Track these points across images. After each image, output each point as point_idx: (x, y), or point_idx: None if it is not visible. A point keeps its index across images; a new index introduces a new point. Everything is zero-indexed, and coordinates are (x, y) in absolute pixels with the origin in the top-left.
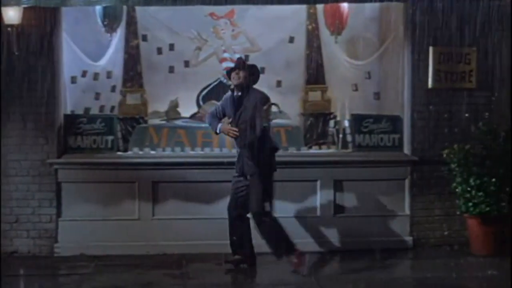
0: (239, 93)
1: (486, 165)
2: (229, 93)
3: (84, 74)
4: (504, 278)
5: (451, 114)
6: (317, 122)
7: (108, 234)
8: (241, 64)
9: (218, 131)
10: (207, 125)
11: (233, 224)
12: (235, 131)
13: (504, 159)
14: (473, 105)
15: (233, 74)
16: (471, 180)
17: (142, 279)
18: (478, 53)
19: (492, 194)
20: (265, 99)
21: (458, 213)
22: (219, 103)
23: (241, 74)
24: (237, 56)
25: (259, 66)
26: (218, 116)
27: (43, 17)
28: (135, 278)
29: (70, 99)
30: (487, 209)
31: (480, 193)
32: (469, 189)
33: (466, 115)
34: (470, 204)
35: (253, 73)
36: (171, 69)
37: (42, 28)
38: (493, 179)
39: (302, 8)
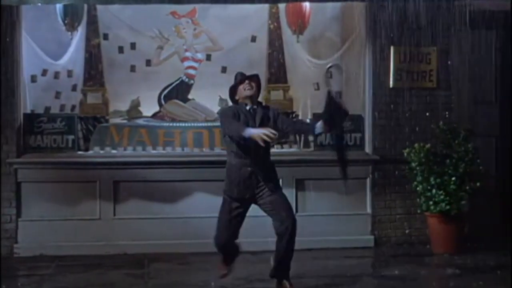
0: (253, 106)
1: (446, 164)
2: (235, 107)
3: (44, 73)
4: (464, 276)
5: (412, 113)
6: None
7: (68, 234)
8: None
9: (247, 135)
10: (168, 124)
11: (231, 255)
12: (274, 134)
13: (464, 158)
14: (433, 104)
15: (244, 85)
16: (431, 179)
17: (103, 279)
18: (439, 52)
19: (452, 192)
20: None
21: (419, 211)
22: (230, 116)
23: (253, 84)
24: (199, 55)
25: (220, 65)
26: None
27: (2, 15)
28: (96, 278)
29: (30, 98)
30: (447, 207)
31: (441, 192)
32: (429, 187)
33: (427, 114)
34: (431, 202)
35: (259, 84)
36: (133, 68)
37: (1, 26)
38: (453, 178)
39: (265, 7)
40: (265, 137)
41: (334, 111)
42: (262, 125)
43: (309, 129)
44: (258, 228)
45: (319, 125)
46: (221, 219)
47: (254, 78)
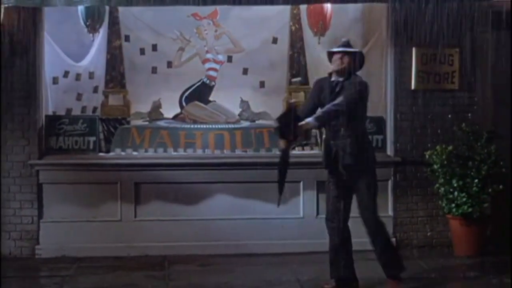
0: (339, 79)
1: (468, 166)
2: (323, 80)
3: (66, 74)
4: (486, 278)
5: (434, 115)
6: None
7: (89, 236)
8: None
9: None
10: (190, 126)
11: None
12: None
13: (487, 160)
14: (456, 106)
15: (335, 58)
16: (453, 181)
17: (124, 281)
18: (461, 54)
19: (474, 195)
20: (363, 85)
21: (441, 214)
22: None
23: (345, 59)
24: (220, 57)
25: (242, 67)
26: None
27: (24, 17)
28: (116, 279)
29: (52, 100)
30: (470, 210)
31: (463, 194)
32: (451, 190)
33: (449, 116)
34: (453, 205)
35: (356, 59)
36: (154, 70)
37: (23, 28)
38: (476, 180)
39: (286, 8)
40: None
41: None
42: (337, 96)
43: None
44: (277, 230)
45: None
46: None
47: (348, 55)
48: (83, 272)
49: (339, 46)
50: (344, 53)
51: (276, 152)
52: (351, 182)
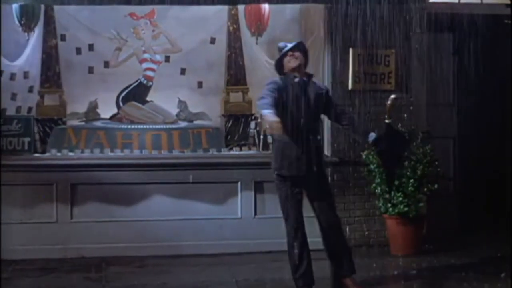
0: (303, 79)
1: (404, 166)
2: (282, 78)
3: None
4: (422, 277)
5: (371, 115)
6: (238, 123)
7: (25, 238)
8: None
9: (263, 115)
10: (127, 126)
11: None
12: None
13: (422, 160)
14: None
15: (288, 58)
16: None
17: (61, 283)
18: (397, 55)
19: (410, 194)
20: (327, 90)
21: (377, 213)
22: (270, 89)
23: (297, 54)
24: (157, 57)
25: (179, 67)
26: (273, 102)
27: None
28: (53, 282)
29: None
30: (406, 209)
31: (399, 194)
32: (388, 189)
33: (385, 116)
34: (389, 204)
35: (306, 52)
36: (91, 70)
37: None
38: (411, 180)
39: (224, 9)
40: (270, 130)
41: (394, 143)
42: (317, 103)
43: (363, 133)
44: (215, 231)
45: (373, 135)
46: (281, 200)
47: (296, 49)
48: (19, 275)
49: (291, 45)
50: (293, 50)
51: (214, 152)
52: (313, 185)
